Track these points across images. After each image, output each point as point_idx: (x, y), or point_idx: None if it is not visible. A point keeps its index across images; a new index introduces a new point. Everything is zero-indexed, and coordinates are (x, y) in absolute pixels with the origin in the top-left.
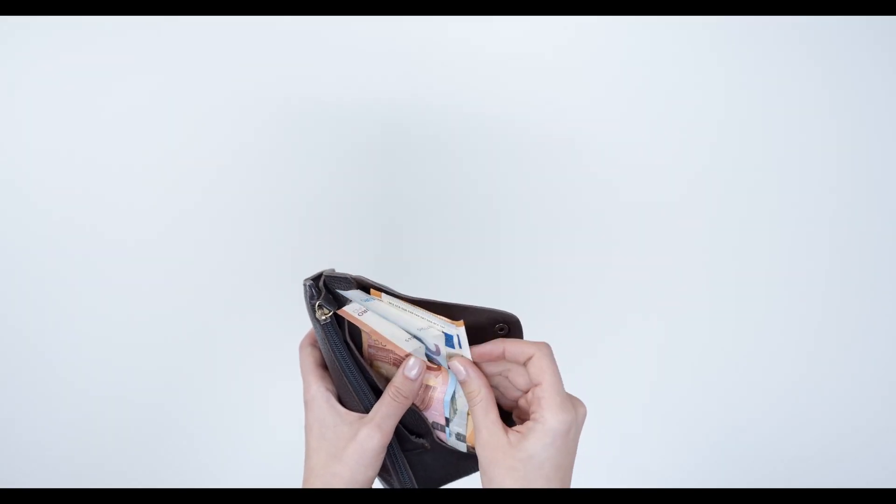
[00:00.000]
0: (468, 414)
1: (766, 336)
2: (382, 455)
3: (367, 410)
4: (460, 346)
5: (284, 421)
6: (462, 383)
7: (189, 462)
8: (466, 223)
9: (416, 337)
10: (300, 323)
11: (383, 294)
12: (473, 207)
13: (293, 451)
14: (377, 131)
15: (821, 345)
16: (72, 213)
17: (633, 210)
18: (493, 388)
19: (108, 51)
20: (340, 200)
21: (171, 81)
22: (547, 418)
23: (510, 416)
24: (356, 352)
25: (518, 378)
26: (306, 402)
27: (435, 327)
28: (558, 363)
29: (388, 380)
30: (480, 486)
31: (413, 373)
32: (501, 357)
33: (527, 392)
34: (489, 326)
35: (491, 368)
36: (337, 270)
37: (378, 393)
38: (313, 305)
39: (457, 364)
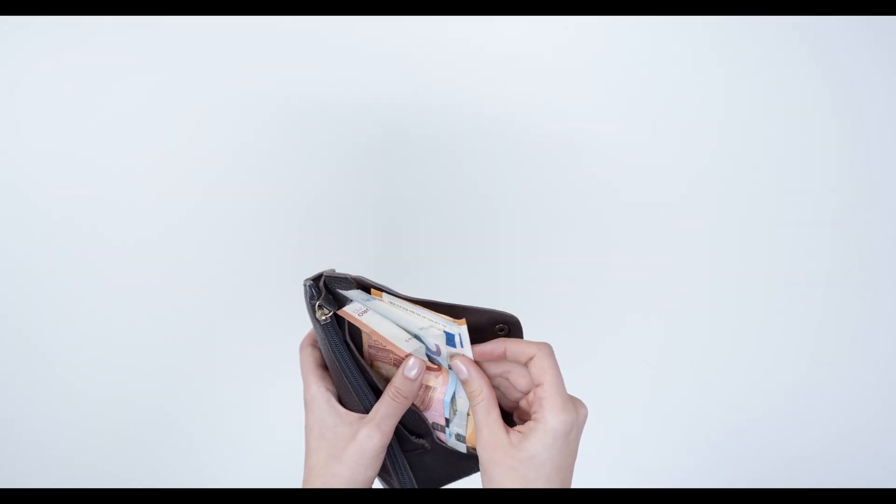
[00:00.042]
0: (468, 414)
1: (765, 336)
2: (382, 455)
3: (367, 411)
4: (462, 346)
5: (284, 421)
6: (464, 382)
7: (189, 462)
8: (466, 223)
9: (416, 337)
10: (300, 323)
11: (384, 294)
12: (473, 207)
13: (293, 451)
14: (377, 131)
15: (820, 345)
16: (72, 213)
17: (633, 210)
18: (494, 388)
19: (108, 51)
20: (340, 200)
21: (171, 81)
22: (548, 419)
23: (511, 416)
24: (356, 352)
25: (519, 379)
26: (306, 403)
27: (436, 326)
28: (558, 363)
29: (388, 380)
30: (480, 487)
31: (413, 373)
32: (503, 357)
33: (527, 393)
34: (489, 327)
35: (492, 370)
36: (337, 271)
37: (378, 393)
38: (313, 306)
39: (458, 363)
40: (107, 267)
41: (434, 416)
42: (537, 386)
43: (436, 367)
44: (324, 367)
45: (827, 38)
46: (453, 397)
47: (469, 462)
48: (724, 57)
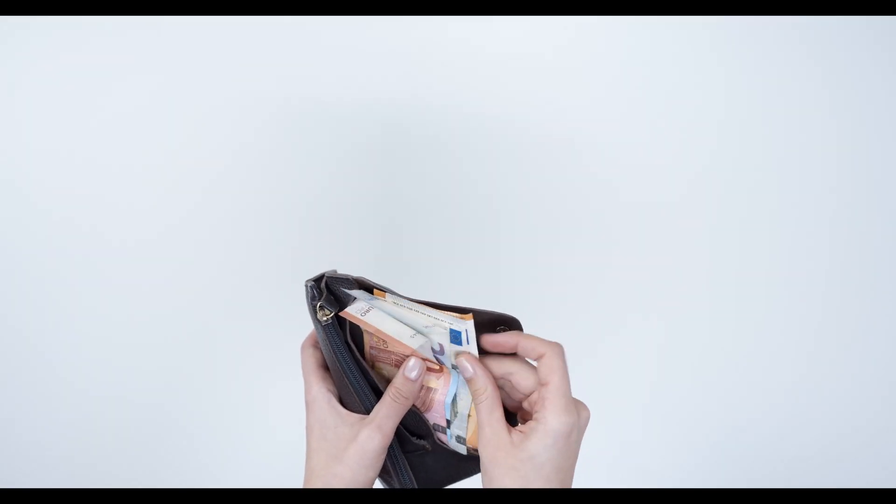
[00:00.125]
0: (468, 416)
1: (765, 336)
2: (383, 456)
3: (368, 412)
4: (468, 343)
5: (284, 421)
6: (468, 381)
7: (189, 462)
8: (466, 223)
9: (420, 334)
10: (300, 323)
11: (387, 294)
12: (473, 207)
13: (293, 451)
14: (377, 131)
15: (820, 345)
16: (72, 213)
17: (633, 210)
18: (498, 388)
19: (108, 51)
20: (340, 200)
21: (171, 82)
22: (549, 419)
23: (515, 417)
24: (357, 353)
25: (521, 381)
26: (307, 403)
27: (441, 324)
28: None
29: (389, 381)
30: (481, 486)
31: (413, 374)
32: (514, 350)
33: (529, 395)
34: (490, 328)
35: (495, 371)
36: (339, 271)
37: (379, 394)
38: (315, 306)
39: (463, 361)
40: (107, 267)
41: (435, 417)
42: (543, 385)
43: (437, 368)
44: (325, 367)
45: (827, 39)
46: (454, 399)
47: (470, 463)
48: (724, 57)
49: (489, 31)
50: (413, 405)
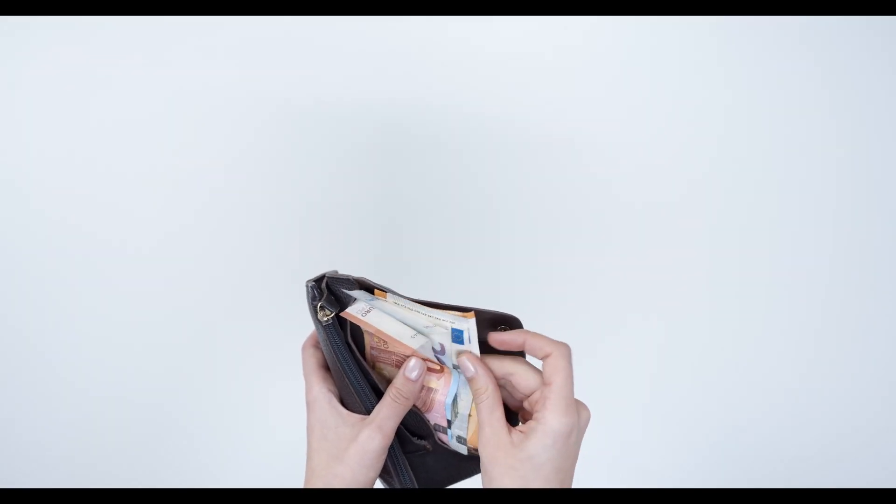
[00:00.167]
0: (469, 416)
1: (765, 336)
2: (384, 456)
3: (368, 412)
4: (469, 342)
5: (285, 421)
6: (469, 380)
7: (189, 462)
8: (467, 223)
9: (421, 334)
10: (300, 323)
11: (388, 294)
12: (473, 207)
13: (294, 451)
14: (377, 131)
15: (820, 345)
16: (72, 214)
17: (633, 210)
18: (501, 388)
19: (108, 52)
20: (340, 201)
21: (171, 82)
22: (549, 419)
23: (516, 416)
24: (357, 353)
25: (522, 382)
26: (308, 404)
27: (442, 324)
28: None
29: (390, 382)
30: (481, 486)
31: (414, 374)
32: (521, 348)
33: (529, 396)
34: (490, 328)
35: (495, 371)
36: (340, 272)
37: (380, 395)
38: (315, 307)
39: (465, 360)
40: (107, 267)
41: (436, 417)
42: (546, 385)
43: (437, 368)
44: (326, 368)
45: (827, 39)
46: (454, 399)
47: (470, 463)
48: (724, 57)
49: (489, 32)
50: (414, 405)
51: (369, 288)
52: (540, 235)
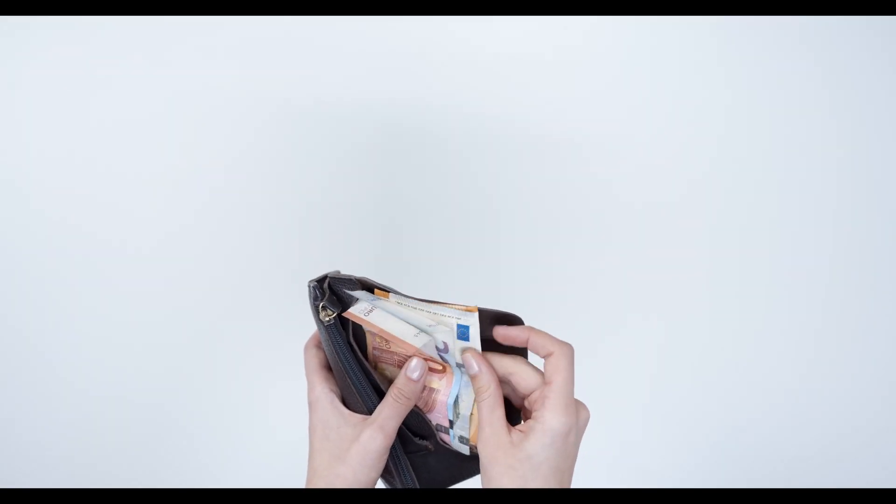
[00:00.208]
0: (471, 416)
1: (765, 336)
2: (385, 456)
3: (370, 412)
4: (474, 339)
5: (287, 421)
6: (472, 377)
7: (191, 462)
8: (467, 223)
9: (424, 332)
10: (302, 323)
11: (391, 294)
12: (474, 207)
13: (296, 451)
14: (377, 131)
15: (821, 345)
16: (72, 215)
17: (633, 210)
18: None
19: (108, 52)
20: (341, 201)
21: (171, 83)
22: (547, 418)
23: (518, 415)
24: (359, 353)
25: (521, 382)
26: (310, 403)
27: (447, 320)
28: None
29: (392, 382)
30: (481, 485)
31: (415, 374)
32: (524, 344)
33: (529, 395)
34: (492, 326)
35: (497, 369)
36: (342, 272)
37: (382, 395)
38: (317, 307)
39: (469, 357)
40: (107, 267)
41: (437, 417)
42: (546, 384)
43: (439, 369)
44: (328, 368)
45: (828, 39)
46: (456, 399)
47: (472, 463)
48: (724, 57)
49: (489, 32)
50: (415, 406)
51: (372, 288)
52: (540, 235)
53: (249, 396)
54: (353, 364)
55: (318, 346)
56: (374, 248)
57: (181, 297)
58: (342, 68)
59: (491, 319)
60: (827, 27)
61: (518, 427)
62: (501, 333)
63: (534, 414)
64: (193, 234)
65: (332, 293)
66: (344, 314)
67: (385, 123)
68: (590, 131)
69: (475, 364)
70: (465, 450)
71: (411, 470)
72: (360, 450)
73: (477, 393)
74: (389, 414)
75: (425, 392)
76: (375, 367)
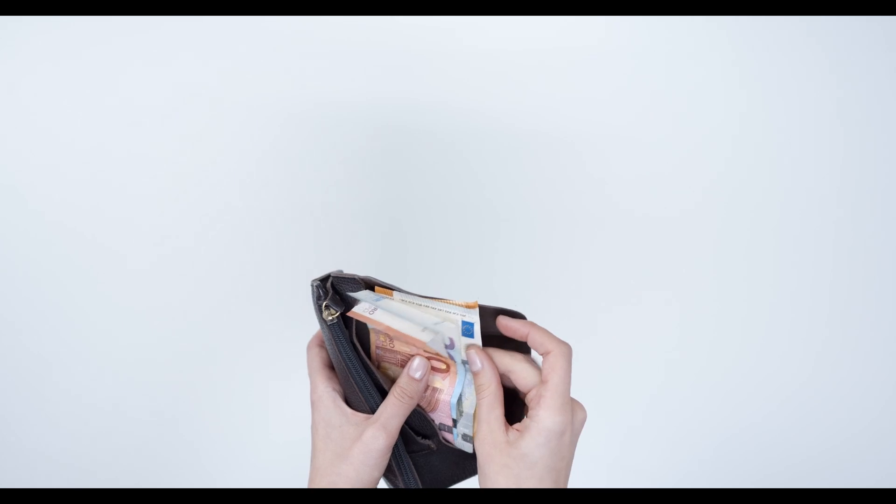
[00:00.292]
0: (475, 414)
1: (767, 337)
2: (388, 455)
3: (373, 411)
4: (476, 335)
5: (290, 420)
6: (475, 374)
7: (192, 462)
8: (468, 224)
9: (430, 329)
10: (304, 323)
11: (394, 292)
12: (475, 208)
13: (298, 450)
14: (378, 132)
15: (822, 346)
16: (72, 215)
17: (637, 211)
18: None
19: (109, 53)
20: (342, 201)
21: (172, 85)
22: (542, 417)
23: (522, 414)
24: (362, 352)
25: (520, 380)
26: (313, 403)
27: (452, 317)
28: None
29: (394, 381)
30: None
31: (418, 374)
32: (525, 338)
33: (528, 393)
34: (494, 319)
35: (498, 366)
36: (345, 271)
37: (384, 394)
38: (320, 306)
39: (473, 354)
40: (108, 267)
41: (441, 417)
42: (542, 383)
43: (442, 368)
44: (330, 367)
45: (830, 40)
46: (459, 398)
47: (475, 462)
48: (725, 56)
49: (490, 32)
50: (418, 405)
51: (375, 286)
52: (541, 236)
53: (252, 396)
54: (356, 363)
55: (321, 345)
56: (375, 248)
57: (183, 298)
58: (344, 69)
59: (494, 315)
60: (830, 28)
61: (515, 426)
62: (503, 324)
63: (529, 413)
64: (195, 234)
65: (335, 292)
66: (348, 313)
67: (386, 124)
68: (593, 133)
69: (478, 361)
70: (469, 448)
71: (414, 469)
72: (363, 449)
73: (477, 390)
74: (392, 413)
75: (428, 391)
76: (378, 367)
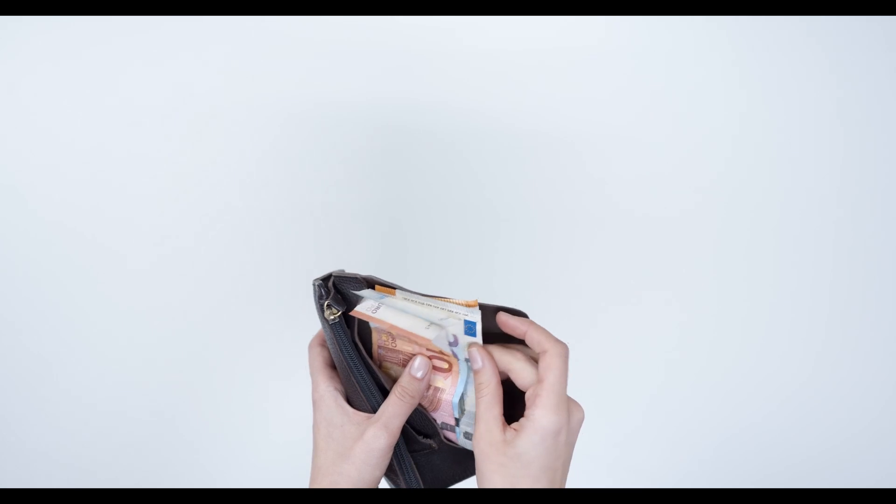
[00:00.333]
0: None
1: (768, 337)
2: (389, 455)
3: (374, 410)
4: (479, 334)
5: (289, 421)
6: (475, 372)
7: (193, 462)
8: (468, 224)
9: (435, 325)
10: (302, 323)
11: (397, 291)
12: (475, 208)
13: (298, 451)
14: (378, 132)
15: (824, 347)
16: (72, 215)
17: (636, 211)
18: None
19: (109, 53)
20: (341, 201)
21: (172, 85)
22: (537, 416)
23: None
24: (364, 352)
25: (518, 380)
26: (314, 402)
27: (455, 316)
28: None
29: (396, 381)
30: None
31: (420, 373)
32: (523, 336)
33: (526, 392)
34: (495, 322)
35: (499, 363)
36: (346, 270)
37: (386, 393)
38: (322, 305)
39: (475, 352)
40: (108, 267)
41: (443, 416)
42: (538, 382)
43: (445, 367)
44: (332, 366)
45: (829, 39)
46: (462, 397)
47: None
48: (725, 58)
49: (490, 32)
50: (420, 405)
51: (378, 285)
52: (541, 236)
53: (252, 396)
54: (358, 362)
55: (323, 344)
56: (375, 247)
57: (184, 298)
58: (345, 69)
59: (495, 312)
60: (846, 28)
61: (513, 425)
62: (503, 320)
63: (526, 412)
64: (195, 234)
65: (337, 292)
66: (351, 313)
67: (386, 124)
68: (593, 133)
69: (479, 359)
70: (471, 446)
71: (415, 468)
72: (365, 448)
73: (477, 388)
74: (393, 412)
75: (430, 391)
76: (380, 366)
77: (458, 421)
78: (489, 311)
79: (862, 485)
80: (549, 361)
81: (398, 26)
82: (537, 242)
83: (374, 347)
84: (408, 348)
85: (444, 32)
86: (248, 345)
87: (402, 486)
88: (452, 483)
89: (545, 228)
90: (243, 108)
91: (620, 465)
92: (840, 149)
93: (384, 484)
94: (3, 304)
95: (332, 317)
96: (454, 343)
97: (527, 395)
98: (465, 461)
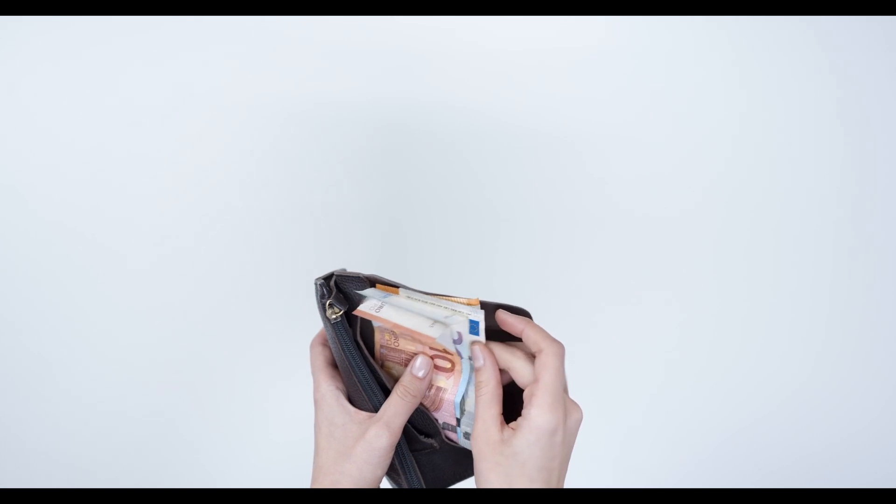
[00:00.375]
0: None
1: (768, 337)
2: (391, 454)
3: (376, 410)
4: (482, 333)
5: (290, 421)
6: (477, 370)
7: (194, 462)
8: (468, 224)
9: (439, 323)
10: (302, 323)
11: (400, 289)
12: (475, 208)
13: (298, 451)
14: (378, 132)
15: (824, 347)
16: (71, 215)
17: (636, 211)
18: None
19: (109, 54)
20: (341, 201)
21: (172, 84)
22: (533, 416)
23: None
24: (366, 351)
25: (517, 377)
26: (316, 401)
27: (459, 314)
28: (565, 367)
29: (398, 380)
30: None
31: (421, 372)
32: (520, 335)
33: (525, 390)
34: (495, 312)
35: (499, 361)
36: (348, 269)
37: (388, 393)
38: (324, 304)
39: (477, 350)
40: (108, 267)
41: (444, 416)
42: (535, 381)
43: (447, 367)
44: (334, 365)
45: (829, 39)
46: (463, 397)
47: None
48: (725, 58)
49: (490, 32)
50: (421, 404)
51: (378, 283)
52: (541, 236)
53: (253, 396)
54: (360, 361)
55: (324, 343)
56: (375, 247)
57: (184, 298)
58: (346, 69)
59: (495, 309)
60: (846, 28)
61: (510, 424)
62: (501, 318)
63: (523, 411)
64: (195, 234)
65: (339, 291)
66: (355, 312)
67: (385, 124)
68: (594, 133)
69: (481, 357)
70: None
71: (417, 468)
72: (366, 447)
73: (477, 386)
74: (395, 412)
75: (432, 391)
76: (382, 366)
77: (459, 421)
78: (490, 309)
79: (862, 485)
80: (545, 360)
81: (398, 26)
82: (537, 242)
83: (377, 347)
84: (411, 347)
85: (444, 32)
86: (249, 345)
87: (404, 485)
88: (454, 482)
89: (545, 228)
90: (243, 108)
91: (620, 465)
92: (840, 149)
93: (386, 483)
94: (3, 304)
95: (334, 316)
96: (458, 341)
97: (524, 395)
98: (466, 461)
